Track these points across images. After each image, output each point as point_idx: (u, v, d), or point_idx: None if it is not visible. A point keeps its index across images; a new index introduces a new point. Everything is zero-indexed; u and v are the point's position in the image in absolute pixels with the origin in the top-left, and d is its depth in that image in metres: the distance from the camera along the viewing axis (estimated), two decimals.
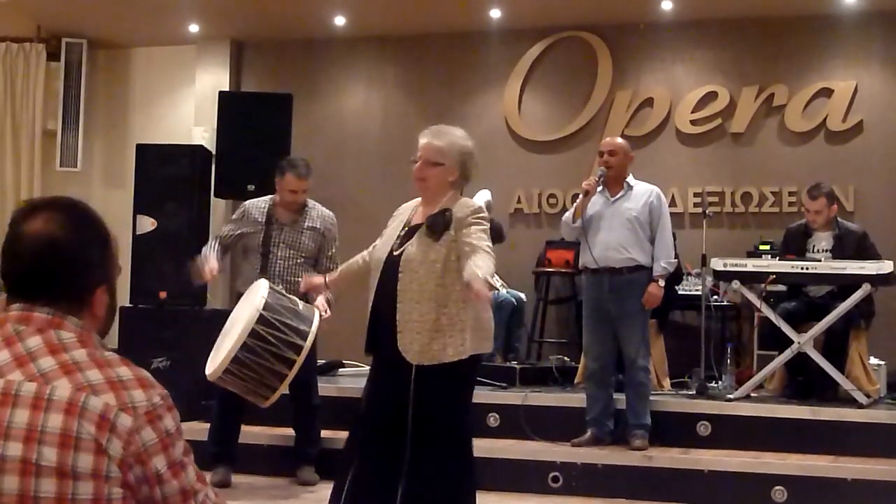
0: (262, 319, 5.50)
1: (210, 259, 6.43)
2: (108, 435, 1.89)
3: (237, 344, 5.42)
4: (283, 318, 5.59)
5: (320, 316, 6.05)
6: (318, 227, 6.83)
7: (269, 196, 6.91)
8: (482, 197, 7.85)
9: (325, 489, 6.61)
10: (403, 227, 4.73)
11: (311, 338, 5.67)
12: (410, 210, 4.83)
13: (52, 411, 1.88)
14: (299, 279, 6.59)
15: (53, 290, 2.03)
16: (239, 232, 6.82)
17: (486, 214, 4.65)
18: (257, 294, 5.67)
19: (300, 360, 5.57)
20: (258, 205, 6.90)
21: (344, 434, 7.17)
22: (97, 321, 2.10)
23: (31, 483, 1.85)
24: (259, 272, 6.45)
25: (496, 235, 8.56)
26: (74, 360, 1.95)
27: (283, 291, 6.17)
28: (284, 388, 5.65)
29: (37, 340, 1.97)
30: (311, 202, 6.91)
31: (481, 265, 4.29)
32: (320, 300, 6.43)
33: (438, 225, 4.57)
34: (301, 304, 6.04)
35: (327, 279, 5.32)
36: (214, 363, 5.53)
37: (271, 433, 7.27)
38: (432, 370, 4.51)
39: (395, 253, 4.63)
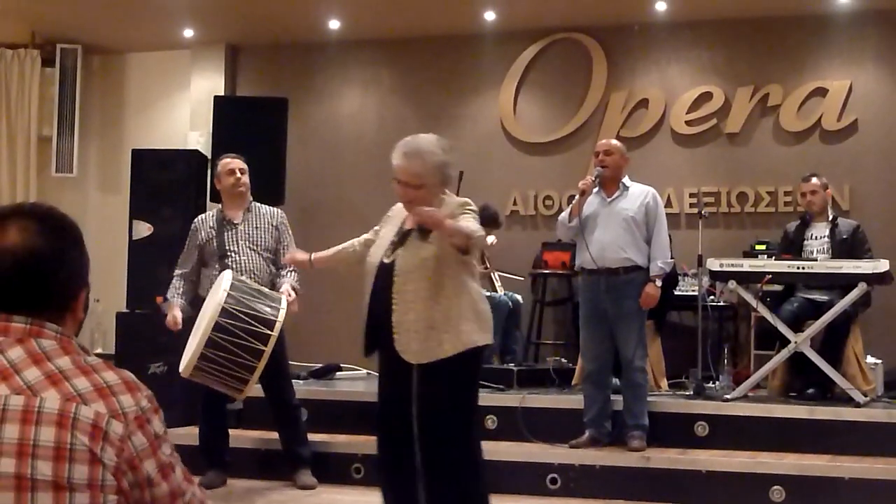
0: (224, 313, 5.53)
1: (173, 309, 6.48)
2: (101, 444, 1.88)
3: (202, 340, 5.46)
4: (247, 309, 5.62)
5: (286, 301, 6.09)
6: (272, 221, 6.83)
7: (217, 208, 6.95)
8: None
9: (324, 492, 6.64)
10: (396, 234, 4.79)
11: (278, 325, 5.70)
12: (403, 213, 4.86)
13: (43, 424, 1.86)
14: (262, 274, 6.62)
15: (37, 301, 1.98)
16: (196, 246, 6.77)
17: (474, 206, 4.74)
18: (220, 288, 5.71)
19: (268, 349, 5.60)
20: (207, 215, 6.94)
21: (341, 437, 7.25)
22: (77, 323, 2.05)
23: (27, 498, 1.83)
24: (221, 273, 6.34)
25: (491, 221, 8.60)
26: (60, 369, 1.92)
27: (248, 280, 6.19)
28: (256, 379, 5.68)
29: (18, 352, 1.93)
30: (255, 203, 6.91)
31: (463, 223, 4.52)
32: (285, 286, 6.46)
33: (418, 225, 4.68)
34: (267, 292, 6.06)
35: (313, 257, 5.28)
36: (185, 360, 5.58)
37: (268, 437, 7.24)
38: (434, 369, 4.58)
39: (387, 260, 4.70)
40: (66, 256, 2.01)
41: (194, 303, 6.53)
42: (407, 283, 4.61)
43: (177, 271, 6.77)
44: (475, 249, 4.72)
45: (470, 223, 4.58)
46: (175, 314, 6.46)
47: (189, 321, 6.22)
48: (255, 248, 6.70)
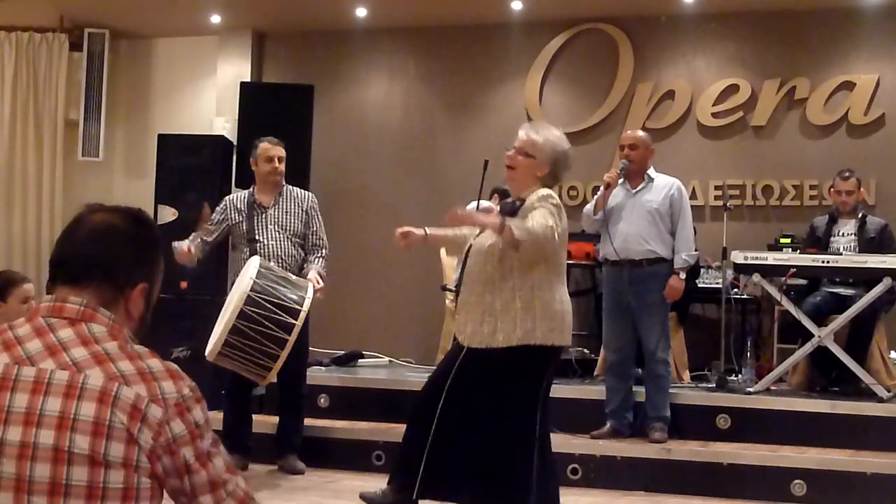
0: (249, 301, 5.56)
1: (183, 244, 6.43)
2: (139, 425, 1.92)
3: (227, 327, 5.49)
4: (273, 297, 5.64)
5: (313, 289, 6.10)
6: (302, 206, 6.83)
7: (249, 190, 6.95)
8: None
9: (345, 479, 6.66)
10: None
11: (303, 314, 5.72)
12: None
13: (84, 399, 1.90)
14: (290, 259, 6.62)
15: (98, 272, 2.07)
16: (224, 221, 6.78)
17: (556, 200, 4.67)
18: (246, 275, 5.73)
19: (292, 338, 5.62)
20: (239, 196, 6.93)
21: (362, 424, 7.28)
22: (130, 321, 2.12)
23: (63, 471, 1.87)
24: (249, 258, 6.33)
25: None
26: (106, 351, 1.98)
27: (275, 267, 6.20)
28: (279, 366, 5.70)
29: (68, 332, 2.00)
30: (287, 185, 6.91)
31: (515, 222, 4.49)
32: (312, 273, 6.45)
33: (505, 212, 4.75)
34: (294, 279, 6.06)
35: (429, 231, 5.14)
36: (210, 345, 5.62)
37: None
38: (484, 356, 4.61)
39: (473, 242, 4.82)
40: (137, 242, 2.14)
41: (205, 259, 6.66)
42: (476, 265, 4.71)
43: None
44: (532, 248, 4.50)
45: (532, 220, 4.50)
46: (185, 245, 6.40)
47: (218, 304, 6.24)
48: (284, 232, 6.70)
